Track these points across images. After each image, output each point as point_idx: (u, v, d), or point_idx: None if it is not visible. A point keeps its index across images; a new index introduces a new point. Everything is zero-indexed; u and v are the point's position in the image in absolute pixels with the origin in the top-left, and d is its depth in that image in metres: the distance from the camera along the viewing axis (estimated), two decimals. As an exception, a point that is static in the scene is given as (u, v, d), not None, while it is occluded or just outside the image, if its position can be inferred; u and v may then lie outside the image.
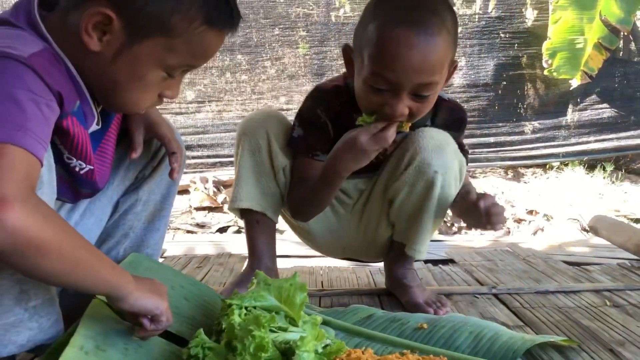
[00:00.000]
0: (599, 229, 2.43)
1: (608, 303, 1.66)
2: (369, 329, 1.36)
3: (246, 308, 1.13)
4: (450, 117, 1.57)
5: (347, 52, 1.43)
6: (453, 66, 1.39)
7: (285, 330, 1.09)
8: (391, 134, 1.34)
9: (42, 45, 0.92)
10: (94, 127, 1.08)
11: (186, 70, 1.07)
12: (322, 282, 1.95)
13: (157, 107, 1.21)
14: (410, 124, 1.38)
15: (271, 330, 1.06)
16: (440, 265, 2.20)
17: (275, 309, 1.16)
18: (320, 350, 1.10)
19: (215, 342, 1.07)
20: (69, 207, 1.23)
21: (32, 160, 0.83)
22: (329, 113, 1.51)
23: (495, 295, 1.75)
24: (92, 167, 1.07)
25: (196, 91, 4.14)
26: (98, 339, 1.00)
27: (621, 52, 4.76)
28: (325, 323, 1.38)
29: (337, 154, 1.41)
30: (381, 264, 1.82)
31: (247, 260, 1.67)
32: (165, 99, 1.08)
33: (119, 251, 1.35)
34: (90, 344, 0.98)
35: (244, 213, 1.61)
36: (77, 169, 1.05)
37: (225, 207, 3.73)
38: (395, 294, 1.69)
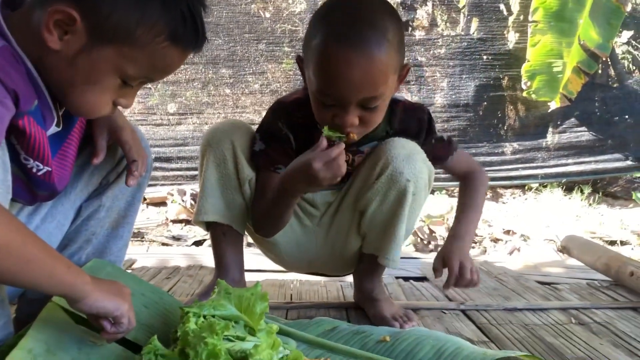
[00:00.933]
0: (571, 249, 2.44)
1: (573, 321, 1.67)
2: (331, 341, 1.35)
3: (204, 316, 1.12)
4: (408, 118, 1.55)
5: (299, 63, 1.42)
6: (405, 70, 1.38)
7: (242, 339, 1.08)
8: (343, 162, 1.31)
9: (1, 43, 0.92)
10: (54, 128, 1.07)
11: (144, 82, 1.07)
12: (291, 294, 1.94)
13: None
14: (354, 136, 1.35)
15: (228, 339, 1.05)
16: (411, 281, 2.20)
17: (234, 318, 1.15)
18: (276, 359, 1.09)
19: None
20: (29, 210, 1.22)
21: None
22: (290, 125, 1.51)
23: (463, 312, 1.75)
24: (50, 169, 1.06)
25: (178, 103, 4.13)
26: (50, 342, 0.99)
27: (600, 77, 4.84)
28: (287, 334, 1.36)
29: (291, 175, 1.37)
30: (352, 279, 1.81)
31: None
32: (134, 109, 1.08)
33: (81, 257, 1.33)
34: (41, 347, 0.96)
35: (209, 226, 1.60)
36: (34, 170, 1.04)
37: (203, 220, 3.71)
38: (363, 307, 1.68)
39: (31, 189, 1.09)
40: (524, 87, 4.49)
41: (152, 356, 0.99)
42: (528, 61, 4.45)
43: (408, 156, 1.45)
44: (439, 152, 1.61)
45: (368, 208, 1.52)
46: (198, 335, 0.97)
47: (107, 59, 0.98)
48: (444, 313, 1.73)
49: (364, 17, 1.28)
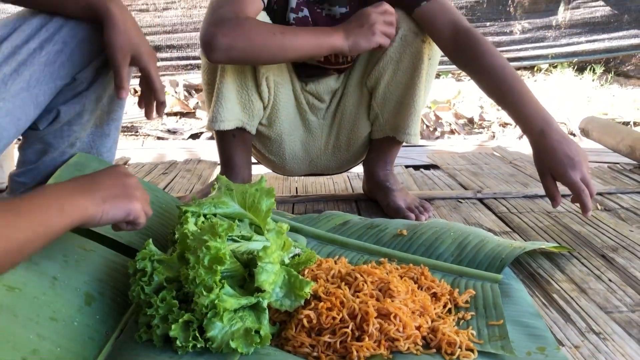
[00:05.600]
0: (590, 131, 2.30)
1: (599, 207, 1.57)
2: (343, 237, 1.25)
3: (204, 216, 1.00)
4: None
5: None
6: None
7: (249, 239, 0.96)
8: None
9: None
10: None
11: None
12: (296, 188, 1.83)
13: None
14: None
15: (233, 240, 0.94)
16: (422, 170, 2.08)
17: (239, 216, 1.04)
18: (287, 260, 0.99)
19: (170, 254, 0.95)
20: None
21: None
22: None
23: (480, 200, 1.65)
24: None
25: (163, -14, 3.81)
26: (30, 251, 0.87)
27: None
28: (296, 230, 1.26)
29: (344, 25, 1.27)
30: (360, 170, 1.69)
31: (218, 168, 1.52)
32: None
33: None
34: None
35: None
36: None
37: (198, 112, 3.54)
38: (375, 199, 1.57)
39: None
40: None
41: (147, 263, 0.87)
42: None
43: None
44: None
45: (380, 82, 1.39)
46: (198, 238, 0.85)
47: None
48: (460, 202, 1.63)
49: None
